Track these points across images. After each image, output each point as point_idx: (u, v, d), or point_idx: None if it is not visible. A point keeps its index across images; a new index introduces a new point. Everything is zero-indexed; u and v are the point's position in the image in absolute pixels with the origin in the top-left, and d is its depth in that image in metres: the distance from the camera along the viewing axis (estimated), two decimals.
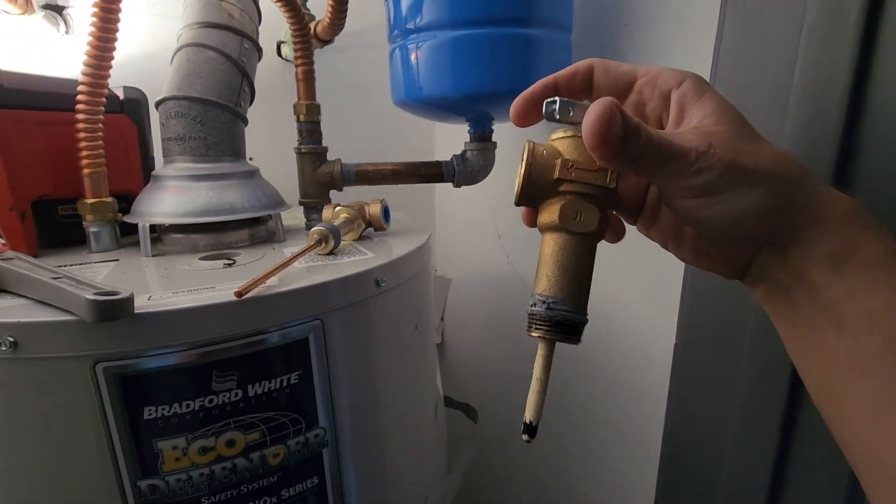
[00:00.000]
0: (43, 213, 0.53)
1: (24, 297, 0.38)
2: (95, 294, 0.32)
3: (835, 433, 0.21)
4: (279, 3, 0.55)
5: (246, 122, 0.58)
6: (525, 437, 0.23)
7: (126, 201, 0.56)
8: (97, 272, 0.45)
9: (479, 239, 0.96)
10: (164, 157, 0.56)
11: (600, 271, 0.72)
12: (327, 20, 0.65)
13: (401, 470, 0.53)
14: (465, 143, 0.66)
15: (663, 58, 0.58)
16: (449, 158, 0.66)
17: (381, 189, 0.65)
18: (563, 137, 0.24)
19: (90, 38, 0.49)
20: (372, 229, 0.58)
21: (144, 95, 0.61)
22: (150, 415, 0.36)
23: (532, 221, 0.26)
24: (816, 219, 0.20)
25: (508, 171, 0.72)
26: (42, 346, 0.34)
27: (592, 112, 0.19)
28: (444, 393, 1.00)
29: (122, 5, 0.49)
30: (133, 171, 0.60)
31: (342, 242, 0.52)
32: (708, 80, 0.24)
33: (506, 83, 0.56)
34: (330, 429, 0.43)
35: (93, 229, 0.53)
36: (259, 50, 0.61)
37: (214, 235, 0.54)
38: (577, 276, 0.24)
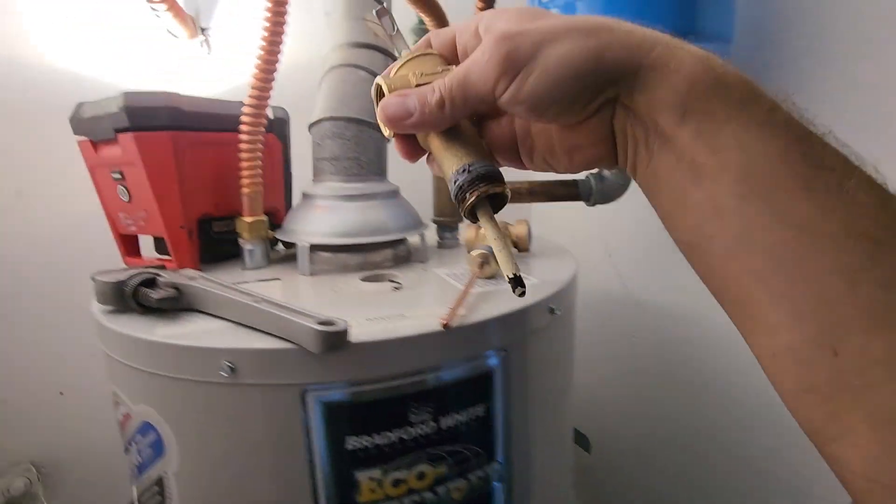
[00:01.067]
0: (201, 231, 0.54)
1: (216, 317, 0.39)
2: (320, 324, 0.32)
3: (705, 282, 0.20)
4: (430, 19, 0.55)
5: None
6: (519, 290, 0.22)
7: (270, 218, 0.57)
8: (271, 292, 0.45)
9: (585, 257, 0.92)
10: (314, 175, 0.56)
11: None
12: None
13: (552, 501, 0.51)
14: None
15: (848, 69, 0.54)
16: (584, 177, 0.63)
17: None
18: (401, 64, 0.26)
19: (257, 62, 0.51)
20: (516, 250, 0.57)
21: (288, 115, 0.62)
22: (352, 445, 0.35)
23: (409, 151, 0.26)
24: (658, 59, 0.19)
25: (635, 192, 0.69)
26: (258, 373, 0.34)
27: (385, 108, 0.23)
28: None
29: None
30: (277, 189, 0.61)
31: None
32: None
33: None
34: (505, 463, 0.42)
35: (248, 247, 0.54)
36: None
37: (363, 255, 0.54)
38: (477, 143, 0.25)
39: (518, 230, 0.56)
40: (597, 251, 0.89)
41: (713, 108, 0.18)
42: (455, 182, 0.23)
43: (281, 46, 0.51)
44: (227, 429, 0.35)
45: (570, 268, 0.51)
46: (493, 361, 0.39)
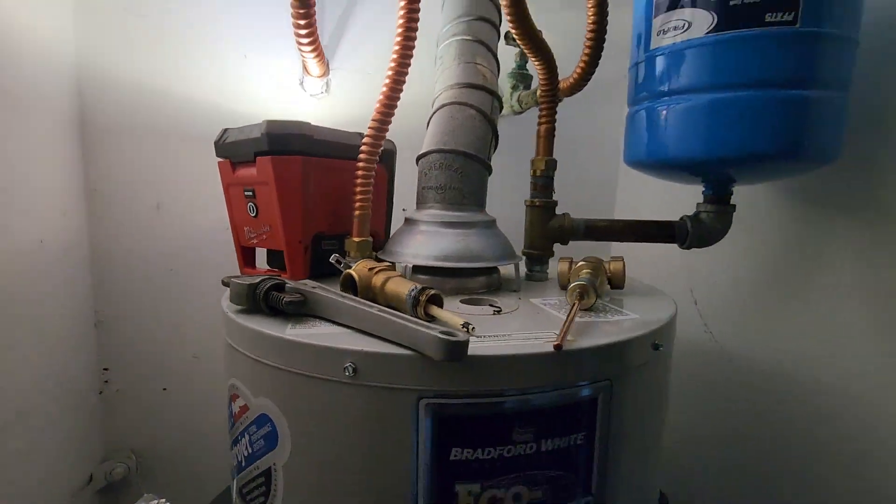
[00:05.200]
0: (314, 247, 0.59)
1: (336, 322, 0.42)
2: (443, 333, 0.34)
3: None
4: (541, 66, 0.59)
5: (491, 171, 0.62)
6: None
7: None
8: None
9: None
10: (418, 203, 0.60)
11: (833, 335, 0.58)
12: (572, 80, 0.67)
13: None
14: (699, 204, 0.63)
15: None
16: (680, 220, 0.63)
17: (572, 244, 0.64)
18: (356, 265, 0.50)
19: (380, 97, 0.56)
20: (609, 286, 0.57)
21: (395, 147, 0.68)
22: (456, 456, 0.36)
23: None
24: None
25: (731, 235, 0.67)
26: (378, 376, 0.36)
27: None
28: None
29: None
30: (379, 215, 0.66)
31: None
32: None
33: (766, 147, 0.53)
34: (598, 497, 0.41)
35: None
36: (501, 106, 0.65)
37: (459, 280, 0.57)
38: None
39: (614, 266, 0.56)
40: (685, 297, 0.87)
41: None
42: (409, 298, 0.42)
43: (403, 85, 0.56)
44: (342, 426, 0.38)
45: (670, 307, 0.50)
46: (598, 388, 0.39)
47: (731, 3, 0.49)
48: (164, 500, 0.66)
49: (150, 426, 0.79)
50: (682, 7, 0.53)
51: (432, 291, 0.43)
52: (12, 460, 0.60)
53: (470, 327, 0.37)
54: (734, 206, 0.62)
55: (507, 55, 0.79)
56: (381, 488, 0.38)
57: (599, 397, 0.39)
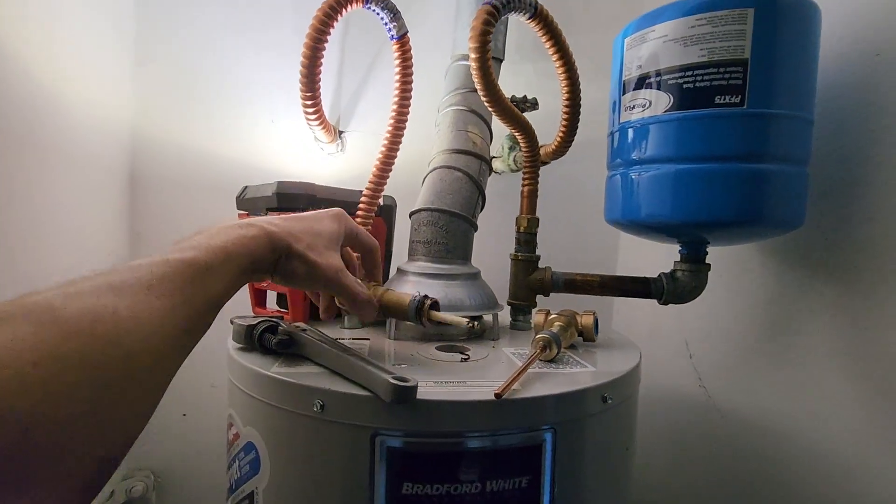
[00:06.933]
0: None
1: (316, 363, 0.48)
2: (395, 379, 0.39)
3: None
4: (521, 136, 0.65)
5: (476, 228, 0.67)
6: (475, 324, 0.48)
7: None
8: (360, 349, 0.54)
9: (664, 354, 0.91)
10: (409, 255, 0.67)
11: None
12: (553, 147, 0.73)
13: None
14: (676, 262, 0.66)
15: None
16: (656, 276, 0.66)
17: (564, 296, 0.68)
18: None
19: (377, 161, 0.64)
20: (581, 338, 0.61)
21: (396, 203, 0.75)
22: (407, 490, 0.41)
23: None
24: None
25: (714, 291, 0.69)
26: (341, 413, 0.41)
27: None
28: None
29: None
30: None
31: None
32: None
33: (727, 214, 0.57)
34: None
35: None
36: (490, 168, 0.72)
37: (441, 327, 0.61)
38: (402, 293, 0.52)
39: (585, 320, 0.60)
40: (680, 351, 0.88)
41: None
42: (411, 305, 0.49)
43: (397, 152, 0.64)
44: (311, 456, 0.43)
45: (632, 360, 0.53)
46: (541, 436, 0.43)
47: (685, 86, 0.55)
48: None
49: (168, 448, 0.87)
50: (645, 88, 0.58)
51: (432, 299, 0.50)
52: None
53: (473, 324, 0.51)
54: (709, 265, 0.65)
55: None
56: None
57: (543, 444, 0.43)
